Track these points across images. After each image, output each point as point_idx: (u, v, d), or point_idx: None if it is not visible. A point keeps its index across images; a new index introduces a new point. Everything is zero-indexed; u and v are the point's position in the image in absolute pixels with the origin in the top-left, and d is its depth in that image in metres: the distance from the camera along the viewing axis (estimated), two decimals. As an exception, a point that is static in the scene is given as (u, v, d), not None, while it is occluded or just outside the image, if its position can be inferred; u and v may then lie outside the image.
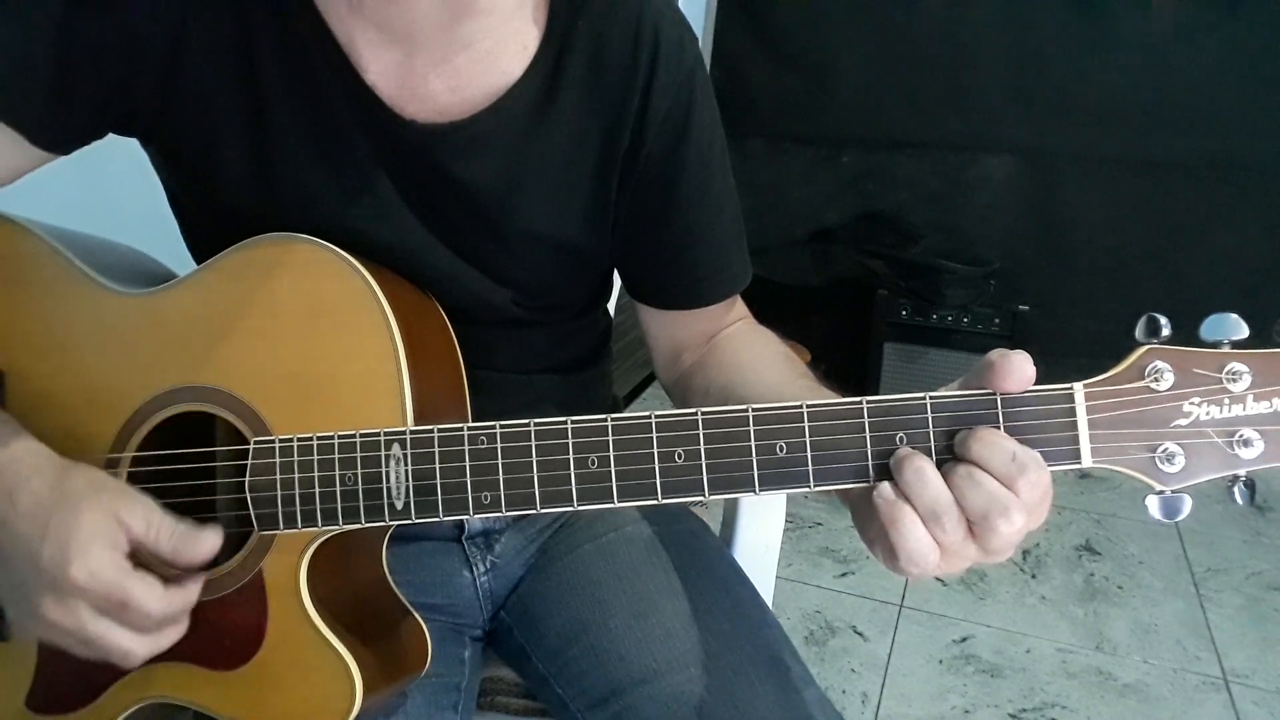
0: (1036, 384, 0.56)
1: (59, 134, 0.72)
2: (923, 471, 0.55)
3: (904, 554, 0.55)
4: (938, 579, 2.10)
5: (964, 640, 1.99)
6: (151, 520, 0.63)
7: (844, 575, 2.21)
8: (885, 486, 0.56)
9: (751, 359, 0.83)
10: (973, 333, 2.66)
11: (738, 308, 0.91)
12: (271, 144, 0.73)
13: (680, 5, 0.80)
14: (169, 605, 0.63)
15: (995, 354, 0.56)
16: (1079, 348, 2.75)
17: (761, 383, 0.78)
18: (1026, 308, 2.65)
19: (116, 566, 0.61)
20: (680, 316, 0.88)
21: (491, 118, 0.74)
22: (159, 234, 0.83)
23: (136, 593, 0.61)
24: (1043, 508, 0.55)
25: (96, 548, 0.60)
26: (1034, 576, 2.22)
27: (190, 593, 0.65)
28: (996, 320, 2.65)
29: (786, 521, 1.01)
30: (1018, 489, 0.53)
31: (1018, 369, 0.55)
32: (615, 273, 0.92)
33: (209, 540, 0.64)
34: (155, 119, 0.74)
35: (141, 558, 0.63)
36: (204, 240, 0.79)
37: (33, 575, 0.61)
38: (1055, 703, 1.82)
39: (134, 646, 0.62)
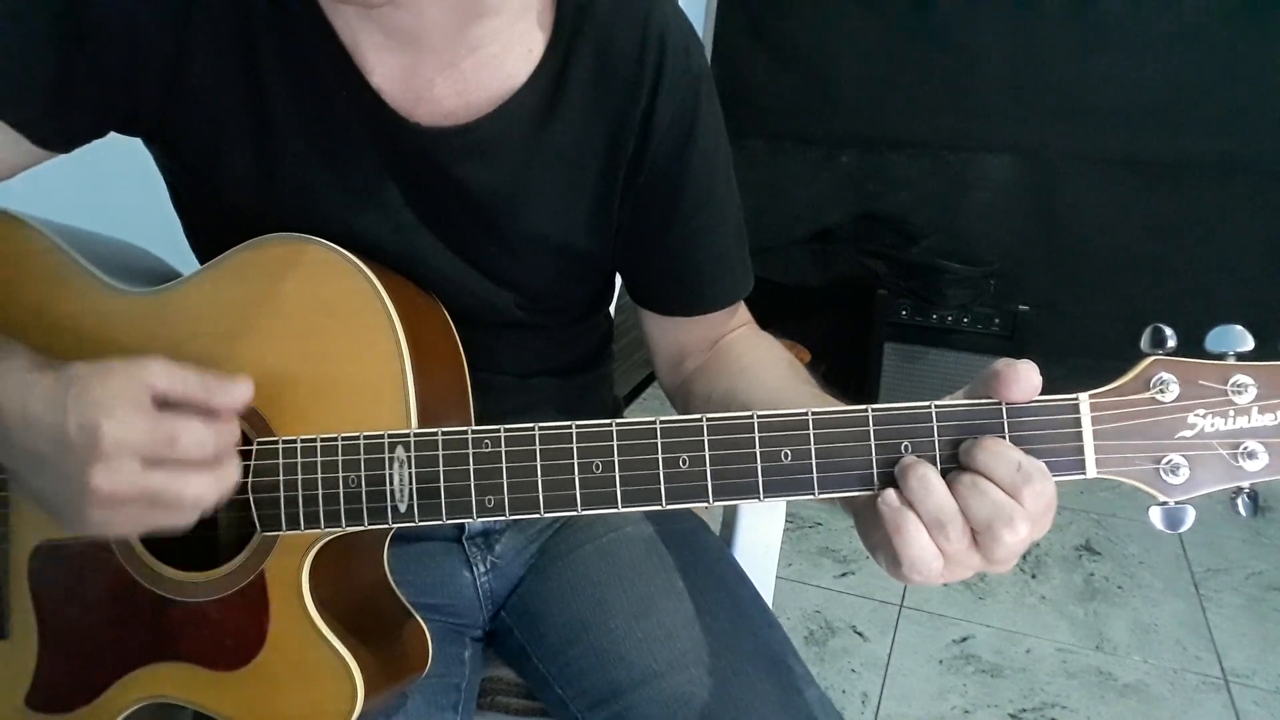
0: (1038, 391, 0.56)
1: (60, 133, 0.72)
2: (927, 479, 0.55)
3: (907, 561, 0.55)
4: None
5: (964, 640, 1.99)
6: (172, 369, 0.61)
7: (844, 575, 2.21)
8: (890, 493, 0.56)
9: (754, 365, 0.83)
10: (973, 333, 2.66)
11: (740, 313, 0.91)
12: (275, 145, 0.73)
13: (680, 5, 0.80)
14: (217, 436, 0.61)
15: (1001, 363, 0.56)
16: (1079, 348, 2.75)
17: (764, 389, 0.78)
18: (1026, 308, 2.65)
19: (148, 413, 0.59)
20: (682, 322, 0.88)
21: (496, 121, 0.74)
22: (162, 232, 0.83)
23: (180, 425, 0.59)
24: (1047, 518, 0.55)
25: (121, 403, 0.58)
26: (1034, 576, 2.22)
27: (231, 430, 0.63)
28: (996, 320, 2.65)
29: (786, 521, 1.01)
30: (1022, 499, 0.53)
31: (1024, 378, 0.55)
32: (616, 275, 0.92)
33: (239, 385, 0.63)
34: (158, 119, 0.73)
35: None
36: (207, 239, 0.79)
37: (70, 459, 0.58)
38: (1055, 703, 1.82)
39: (200, 487, 0.60)
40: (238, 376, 0.63)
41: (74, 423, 0.57)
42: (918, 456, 0.57)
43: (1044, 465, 0.55)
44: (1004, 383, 0.56)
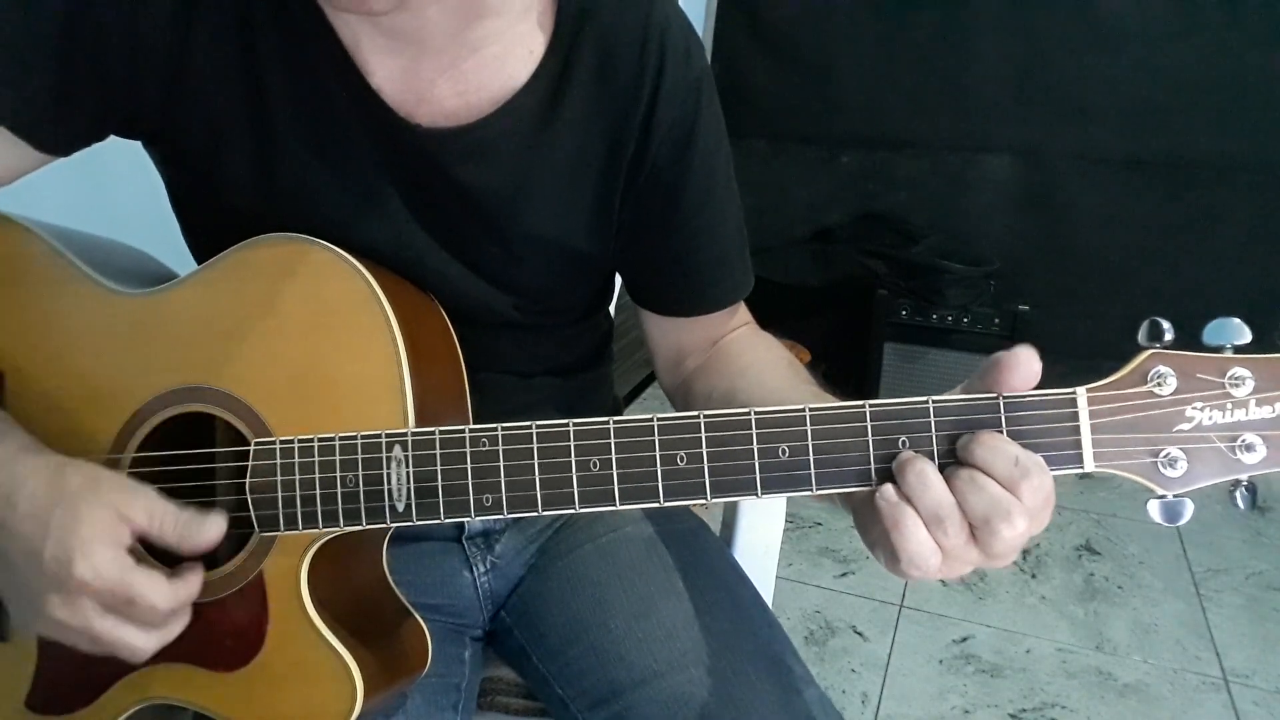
0: (1038, 386, 0.56)
1: (60, 137, 0.72)
2: (925, 474, 0.55)
3: (905, 556, 0.55)
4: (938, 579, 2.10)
5: (964, 640, 1.99)
6: (154, 510, 0.63)
7: (844, 575, 2.21)
8: (888, 488, 0.56)
9: (753, 364, 0.83)
10: (973, 333, 2.66)
11: (740, 313, 0.91)
12: (274, 146, 0.73)
13: (681, 5, 0.80)
14: (175, 598, 0.63)
15: (1001, 353, 0.56)
16: (1079, 348, 2.74)
17: (764, 389, 0.78)
18: (1026, 308, 2.65)
19: (120, 563, 0.61)
20: (682, 323, 0.88)
21: (497, 122, 0.74)
22: (160, 233, 0.83)
23: (142, 588, 0.61)
24: (1045, 513, 0.55)
25: (99, 545, 0.60)
26: (1034, 576, 2.22)
27: (194, 584, 0.65)
28: (996, 320, 2.66)
29: (786, 521, 1.01)
30: (1020, 493, 0.53)
31: (1024, 364, 0.55)
32: (617, 275, 0.92)
33: (214, 525, 0.64)
34: (158, 122, 0.73)
35: (144, 549, 0.63)
36: (205, 240, 0.79)
37: (36, 576, 0.60)
38: (1055, 703, 1.82)
39: (141, 642, 0.62)
40: (211, 516, 0.64)
41: (50, 551, 0.60)
42: (915, 451, 0.57)
43: (1041, 459, 0.55)
44: (1004, 369, 0.56)
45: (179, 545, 0.63)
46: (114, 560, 0.60)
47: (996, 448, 0.54)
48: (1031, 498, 0.53)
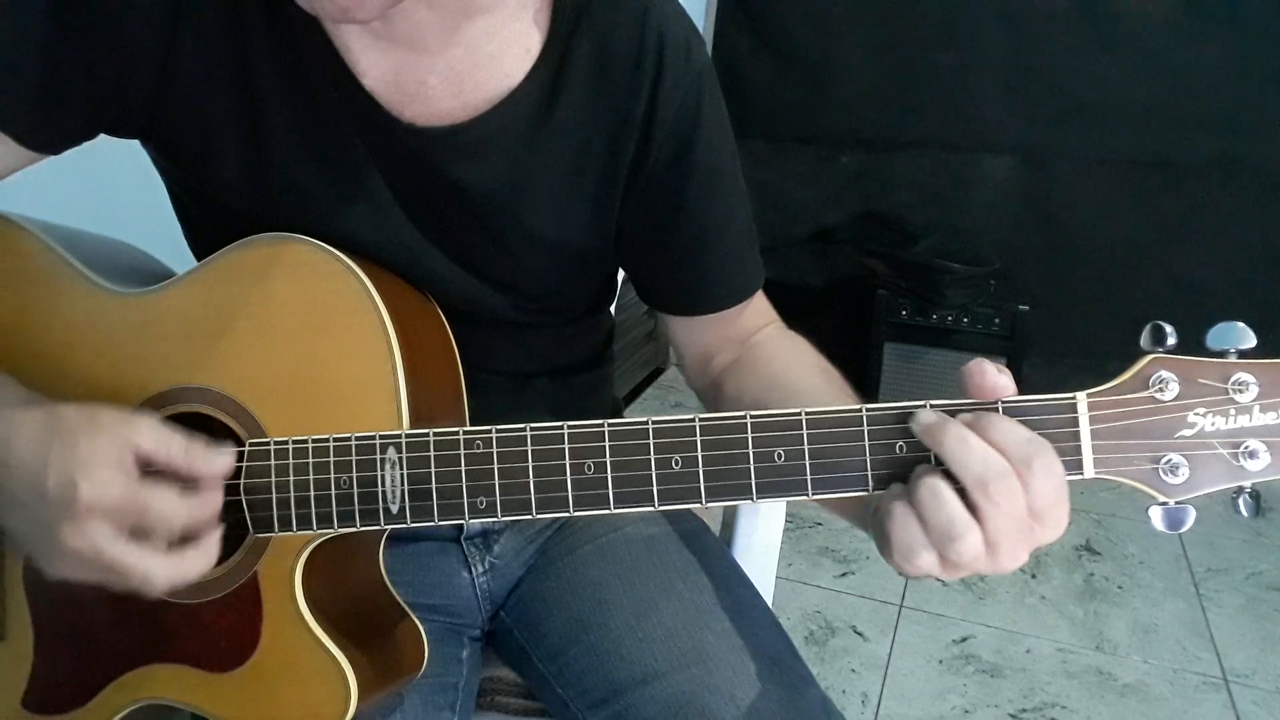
0: (1036, 385, 0.56)
1: (49, 136, 0.71)
2: (943, 495, 0.55)
3: (934, 542, 0.55)
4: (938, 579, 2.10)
5: (964, 640, 1.99)
6: (159, 434, 0.61)
7: (844, 575, 2.21)
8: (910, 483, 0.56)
9: (784, 369, 0.82)
10: (973, 333, 2.66)
11: (764, 310, 0.90)
12: (266, 146, 0.72)
13: (681, 4, 0.80)
14: (190, 510, 0.61)
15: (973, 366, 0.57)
16: (1079, 348, 2.75)
17: (797, 396, 0.77)
18: (1026, 308, 2.65)
19: (126, 478, 0.59)
20: (699, 321, 0.87)
21: (493, 121, 0.73)
22: (160, 233, 0.83)
23: (153, 498, 0.60)
24: (1055, 514, 0.54)
25: (101, 465, 0.59)
26: (1034, 576, 2.22)
27: (211, 501, 0.63)
28: (996, 320, 2.66)
29: (786, 521, 1.01)
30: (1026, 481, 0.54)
31: (988, 374, 0.56)
32: (617, 275, 0.91)
33: (222, 455, 0.63)
34: (149, 121, 0.73)
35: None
36: (205, 239, 0.79)
37: (45, 509, 0.59)
38: (1055, 703, 1.82)
39: (154, 566, 0.60)
40: (221, 448, 0.63)
41: (53, 478, 0.59)
42: (913, 455, 0.56)
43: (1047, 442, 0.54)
44: (971, 377, 0.56)
45: (187, 466, 0.62)
46: (117, 476, 0.59)
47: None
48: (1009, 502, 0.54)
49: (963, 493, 0.54)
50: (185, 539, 0.62)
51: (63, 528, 0.59)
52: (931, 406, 0.56)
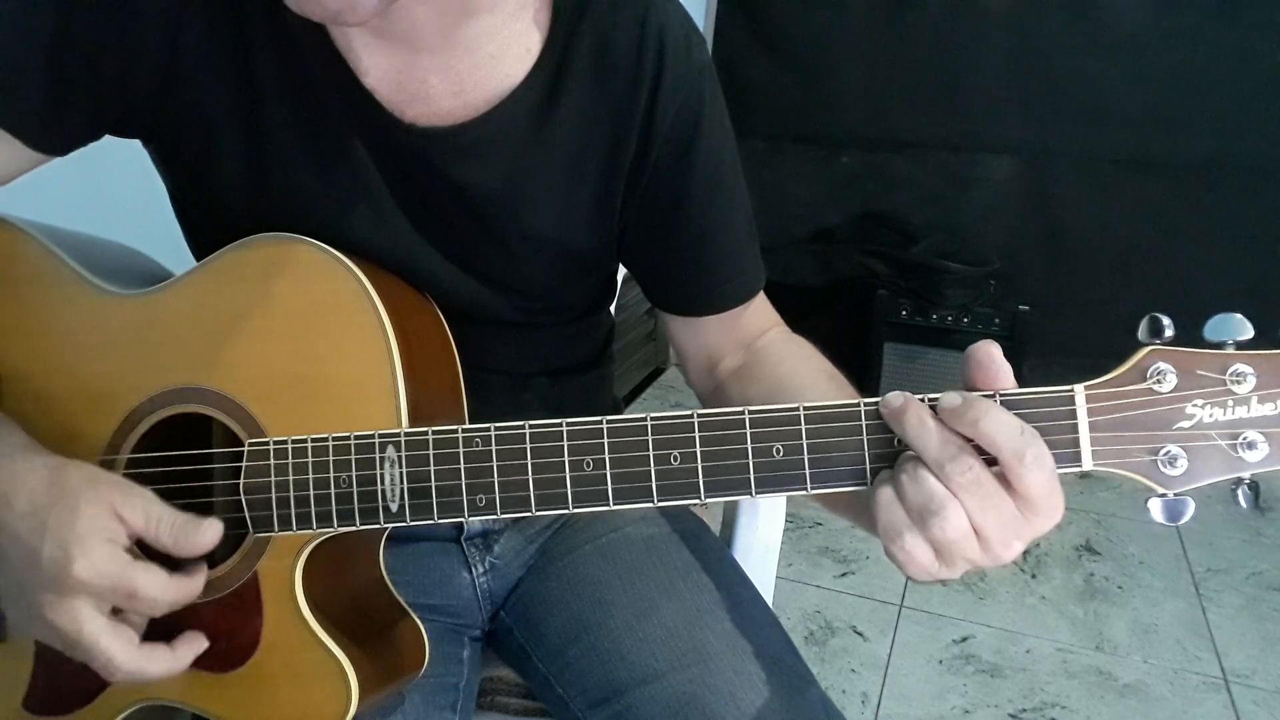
0: (1037, 385, 0.56)
1: (55, 137, 0.72)
2: (920, 474, 0.55)
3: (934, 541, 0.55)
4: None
5: (964, 640, 1.99)
6: (150, 512, 0.62)
7: (844, 575, 2.21)
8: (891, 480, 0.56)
9: (790, 374, 0.82)
10: (973, 333, 2.66)
11: (767, 313, 0.89)
12: (267, 147, 0.72)
13: (681, 3, 0.80)
14: (176, 592, 0.62)
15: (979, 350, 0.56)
16: (1079, 348, 2.75)
17: (804, 401, 0.77)
18: (1026, 308, 2.65)
19: (118, 559, 0.60)
20: (703, 323, 0.87)
21: (493, 121, 0.73)
22: (160, 233, 0.83)
23: (142, 580, 0.60)
24: (1047, 503, 0.54)
25: (96, 543, 0.59)
26: (1034, 576, 2.22)
27: (195, 582, 0.64)
28: (996, 320, 2.66)
29: (786, 521, 1.01)
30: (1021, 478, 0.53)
31: (990, 355, 0.56)
32: (618, 275, 0.91)
33: (210, 530, 0.63)
34: (152, 121, 0.73)
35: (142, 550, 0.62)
36: (204, 240, 0.79)
37: (33, 575, 0.60)
38: (1055, 703, 1.81)
39: (121, 656, 0.61)
40: (207, 522, 0.63)
41: (48, 551, 0.59)
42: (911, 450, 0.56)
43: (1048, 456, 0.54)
44: (973, 366, 0.56)
45: (174, 548, 0.63)
46: (112, 556, 0.60)
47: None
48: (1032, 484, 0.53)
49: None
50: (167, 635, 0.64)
51: (48, 597, 0.60)
52: (929, 400, 0.56)
